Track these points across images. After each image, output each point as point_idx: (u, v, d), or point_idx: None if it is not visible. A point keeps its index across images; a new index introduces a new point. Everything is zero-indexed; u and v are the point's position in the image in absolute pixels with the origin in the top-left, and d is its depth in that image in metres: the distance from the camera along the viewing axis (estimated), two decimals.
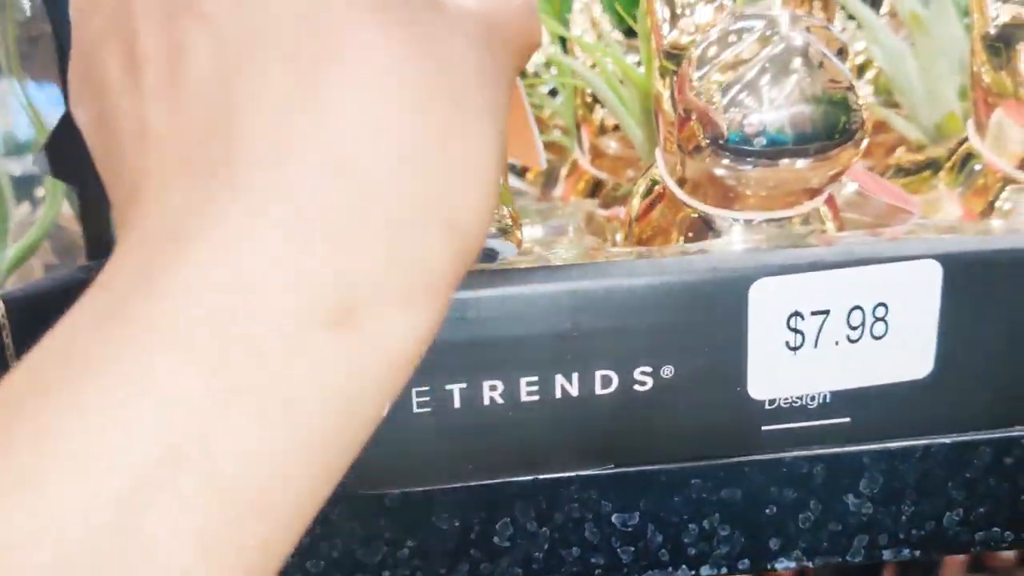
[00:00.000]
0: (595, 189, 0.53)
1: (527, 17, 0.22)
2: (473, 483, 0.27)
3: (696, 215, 0.34)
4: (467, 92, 0.18)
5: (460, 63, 0.18)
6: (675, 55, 0.33)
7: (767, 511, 0.29)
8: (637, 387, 0.26)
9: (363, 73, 0.17)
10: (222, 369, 0.15)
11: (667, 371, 0.26)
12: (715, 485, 0.28)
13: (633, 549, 0.28)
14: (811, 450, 0.28)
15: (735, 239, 0.33)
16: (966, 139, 0.37)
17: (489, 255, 0.27)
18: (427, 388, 0.26)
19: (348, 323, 0.17)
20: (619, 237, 0.39)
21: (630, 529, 0.28)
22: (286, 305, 0.16)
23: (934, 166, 0.40)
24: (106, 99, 0.20)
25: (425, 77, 0.18)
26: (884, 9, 0.50)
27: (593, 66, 0.45)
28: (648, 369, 0.26)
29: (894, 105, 0.46)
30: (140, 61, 0.19)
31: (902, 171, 0.42)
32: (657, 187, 0.35)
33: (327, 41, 0.17)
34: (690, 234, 0.34)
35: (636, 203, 0.37)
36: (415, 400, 0.26)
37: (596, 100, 0.50)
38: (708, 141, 0.31)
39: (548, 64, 0.62)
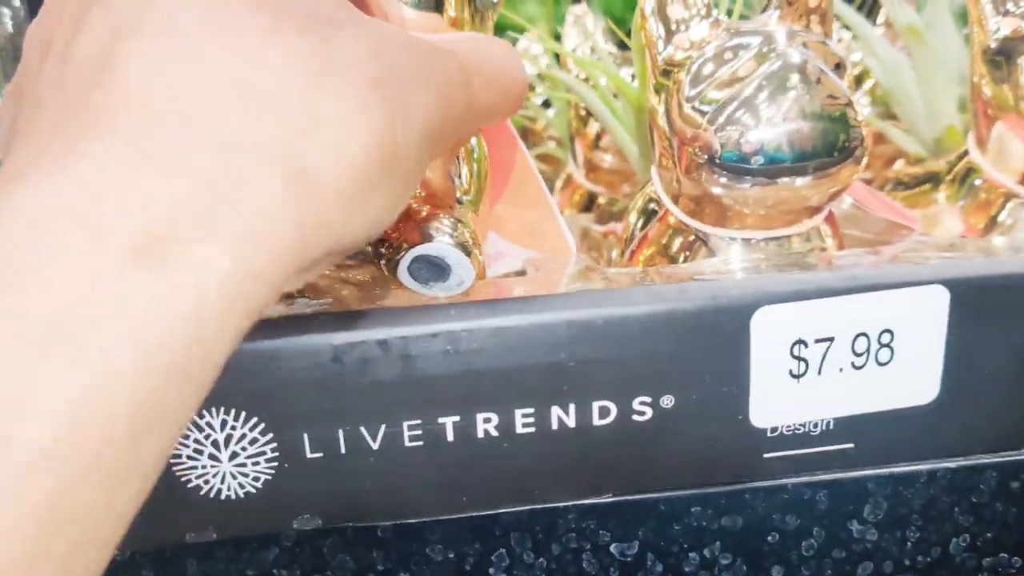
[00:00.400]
0: (590, 202, 0.53)
1: (495, 59, 0.25)
2: (468, 514, 0.27)
3: (693, 234, 0.33)
4: (346, 81, 0.19)
5: (350, 58, 0.19)
6: (670, 71, 0.32)
7: (769, 539, 0.28)
8: (636, 417, 0.26)
9: (234, 37, 0.18)
10: (4, 298, 0.15)
11: (667, 401, 0.26)
12: (716, 513, 0.28)
13: None
14: (814, 476, 0.28)
15: (733, 258, 0.32)
16: (967, 153, 0.37)
17: (437, 265, 0.26)
18: (419, 422, 0.25)
19: (155, 254, 0.16)
20: (615, 254, 0.39)
21: (629, 559, 0.28)
22: (83, 233, 0.16)
23: (934, 180, 0.39)
24: (19, 90, 0.21)
25: (299, 55, 0.19)
26: (880, 19, 0.50)
27: (586, 79, 0.44)
28: (647, 399, 0.26)
29: (892, 117, 0.45)
30: (50, 51, 0.20)
31: (901, 185, 0.41)
32: (653, 204, 0.35)
33: (208, 12, 0.19)
34: (687, 253, 0.33)
35: (632, 220, 0.36)
36: (407, 434, 0.25)
37: (590, 113, 0.49)
38: (704, 159, 0.30)
39: (541, 76, 0.61)
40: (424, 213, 0.27)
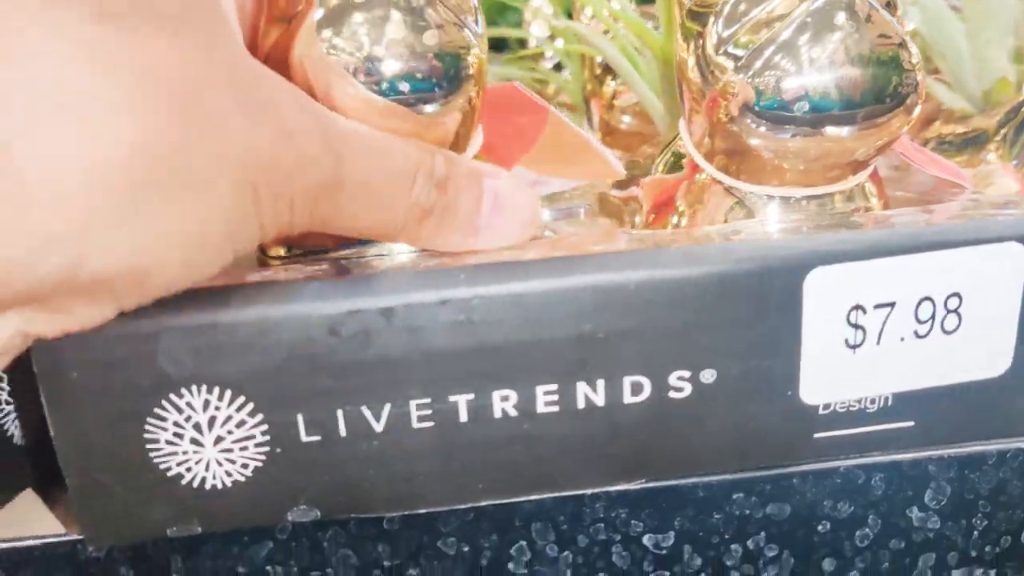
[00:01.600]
0: None
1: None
2: (484, 503, 0.24)
3: (727, 192, 0.30)
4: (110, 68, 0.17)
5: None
6: (700, 14, 0.29)
7: (819, 528, 0.25)
8: (673, 394, 0.23)
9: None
10: None
11: (707, 376, 0.23)
12: (760, 500, 0.25)
13: (668, 574, 0.25)
14: (869, 458, 0.25)
15: (770, 218, 0.29)
16: (1022, 106, 0.33)
17: None
18: (428, 400, 0.22)
19: None
20: (638, 220, 0.36)
21: (664, 551, 0.25)
22: None
23: (982, 138, 0.36)
24: None
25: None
26: None
27: (605, 33, 0.41)
28: (685, 374, 0.23)
29: (932, 71, 0.42)
30: None
31: (945, 143, 0.38)
32: (682, 162, 0.32)
33: None
34: (721, 213, 0.30)
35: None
36: (415, 414, 0.22)
37: (607, 71, 0.46)
38: (741, 108, 0.27)
39: (552, 36, 0.58)
40: None
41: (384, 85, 0.22)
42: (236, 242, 0.19)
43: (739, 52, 0.27)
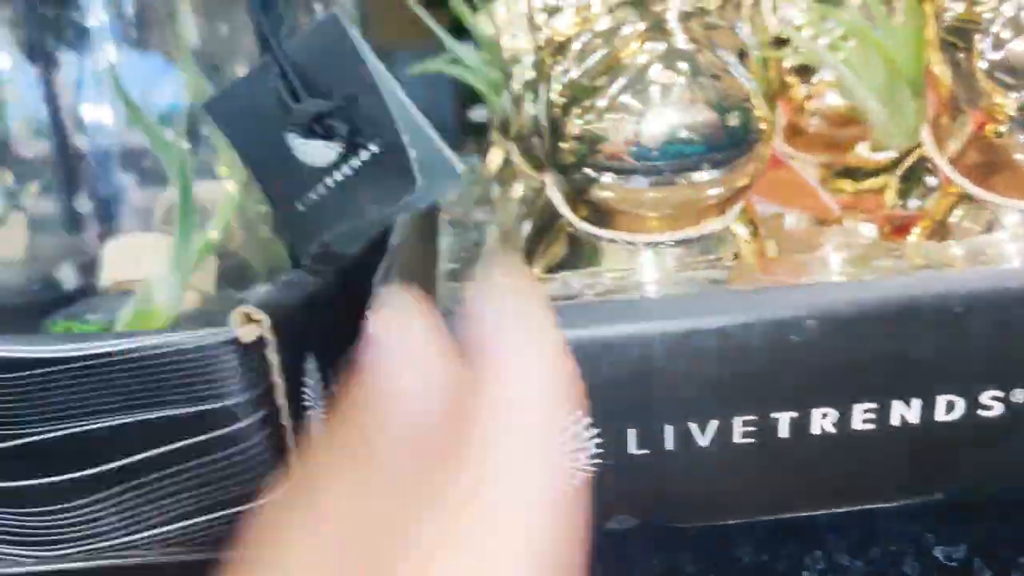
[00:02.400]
0: None
1: None
2: (783, 515, 0.25)
3: (976, 203, 0.30)
4: None
5: None
6: (962, 30, 0.29)
7: None
8: (983, 412, 0.23)
9: None
10: None
11: (1019, 395, 0.23)
12: None
13: None
14: None
15: (1009, 231, 0.30)
16: None
17: None
18: (753, 417, 0.23)
19: None
20: (868, 230, 0.36)
21: (955, 563, 0.26)
22: None
23: None
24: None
25: None
26: None
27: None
28: (999, 394, 0.23)
29: None
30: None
31: None
32: (925, 171, 0.32)
33: None
34: (966, 224, 0.31)
35: (896, 191, 0.33)
36: (738, 430, 0.23)
37: (798, 73, 0.46)
38: (1014, 126, 0.27)
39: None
40: None
41: None
42: None
43: (1010, 73, 0.28)
